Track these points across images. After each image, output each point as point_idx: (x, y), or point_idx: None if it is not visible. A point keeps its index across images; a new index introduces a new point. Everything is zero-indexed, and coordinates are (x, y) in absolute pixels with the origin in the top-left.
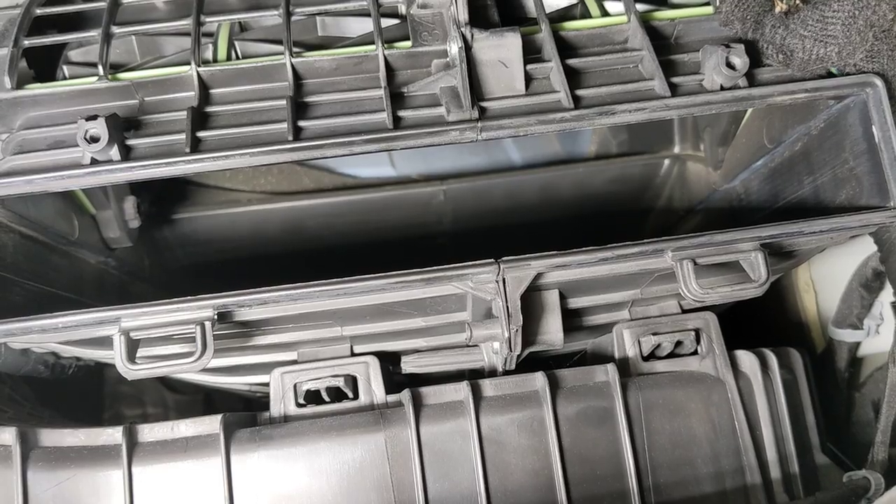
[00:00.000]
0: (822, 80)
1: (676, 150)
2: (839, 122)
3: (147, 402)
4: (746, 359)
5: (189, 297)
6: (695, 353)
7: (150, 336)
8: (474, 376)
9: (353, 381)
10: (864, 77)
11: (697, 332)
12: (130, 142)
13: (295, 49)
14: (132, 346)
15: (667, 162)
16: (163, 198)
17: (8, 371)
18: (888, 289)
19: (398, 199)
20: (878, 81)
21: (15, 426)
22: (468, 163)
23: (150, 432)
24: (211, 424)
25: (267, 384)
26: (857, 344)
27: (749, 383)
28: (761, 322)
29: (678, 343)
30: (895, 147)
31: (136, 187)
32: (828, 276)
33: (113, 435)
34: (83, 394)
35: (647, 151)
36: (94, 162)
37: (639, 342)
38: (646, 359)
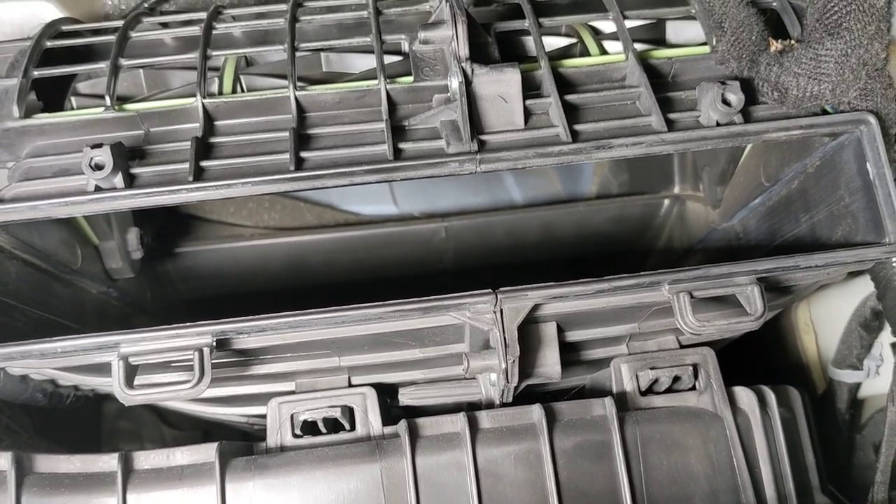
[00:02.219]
0: (817, 117)
1: (676, 189)
2: (834, 160)
3: (145, 437)
4: (744, 395)
5: (188, 324)
6: (693, 388)
7: (149, 362)
8: (472, 409)
9: (350, 412)
10: (857, 115)
11: (695, 367)
12: (135, 170)
13: (299, 83)
14: (130, 372)
15: (667, 202)
16: (166, 231)
17: (6, 398)
18: (888, 329)
19: (400, 235)
20: (872, 119)
21: (10, 451)
22: (470, 202)
23: (145, 460)
24: (207, 453)
25: (264, 416)
26: (858, 385)
27: (747, 420)
28: (762, 363)
29: (676, 378)
30: (889, 184)
31: (140, 219)
32: (827, 316)
33: (108, 462)
34: (81, 426)
35: (647, 191)
36: (98, 189)
37: (636, 377)
38: (643, 393)
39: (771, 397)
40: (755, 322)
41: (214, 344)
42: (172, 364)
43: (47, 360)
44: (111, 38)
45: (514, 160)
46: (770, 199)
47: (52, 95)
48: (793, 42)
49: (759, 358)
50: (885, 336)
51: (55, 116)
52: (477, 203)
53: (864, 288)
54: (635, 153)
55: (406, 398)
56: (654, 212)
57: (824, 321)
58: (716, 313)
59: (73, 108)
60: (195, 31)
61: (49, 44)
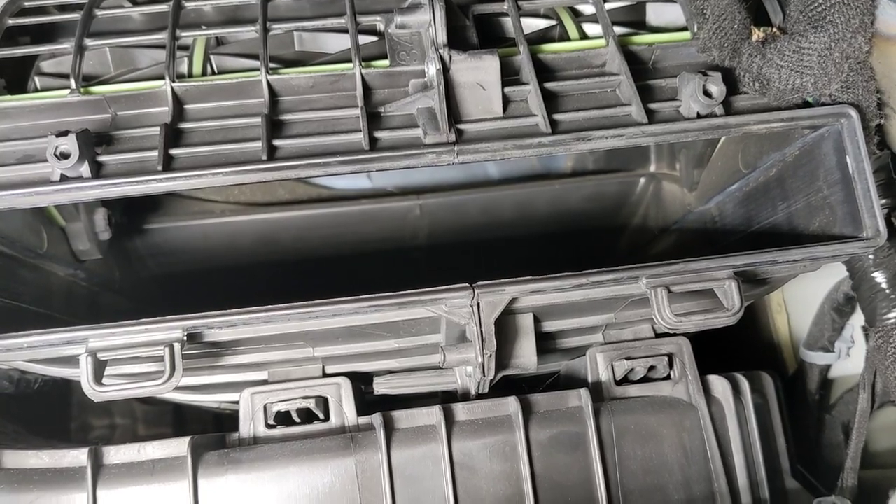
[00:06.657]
0: (798, 109)
1: (652, 168)
2: (814, 151)
3: (115, 412)
4: (719, 384)
5: (158, 318)
6: (668, 377)
7: (118, 357)
8: (447, 397)
9: (324, 402)
10: (839, 108)
11: (670, 356)
12: (102, 158)
13: (271, 65)
14: (99, 367)
15: (642, 180)
16: (134, 208)
17: None
18: (859, 312)
19: (374, 212)
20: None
21: None
22: (445, 175)
23: (115, 454)
24: (178, 447)
25: (237, 402)
26: (828, 366)
27: (721, 409)
28: (734, 342)
29: (651, 367)
30: (868, 178)
31: (108, 199)
32: (800, 297)
33: (78, 457)
34: (49, 408)
35: (623, 169)
36: (63, 178)
37: (612, 366)
38: (619, 383)
39: (744, 385)
40: (732, 317)
41: (185, 338)
42: (143, 356)
43: (13, 354)
44: (76, 15)
45: (492, 151)
46: (747, 185)
47: (14, 73)
48: (775, 30)
49: (732, 337)
50: (857, 319)
51: (18, 99)
52: (452, 177)
53: (838, 271)
54: (615, 145)
55: (381, 387)
56: (630, 190)
57: (797, 302)
58: (692, 303)
59: (36, 89)
60: (164, 8)
61: (11, 21)
